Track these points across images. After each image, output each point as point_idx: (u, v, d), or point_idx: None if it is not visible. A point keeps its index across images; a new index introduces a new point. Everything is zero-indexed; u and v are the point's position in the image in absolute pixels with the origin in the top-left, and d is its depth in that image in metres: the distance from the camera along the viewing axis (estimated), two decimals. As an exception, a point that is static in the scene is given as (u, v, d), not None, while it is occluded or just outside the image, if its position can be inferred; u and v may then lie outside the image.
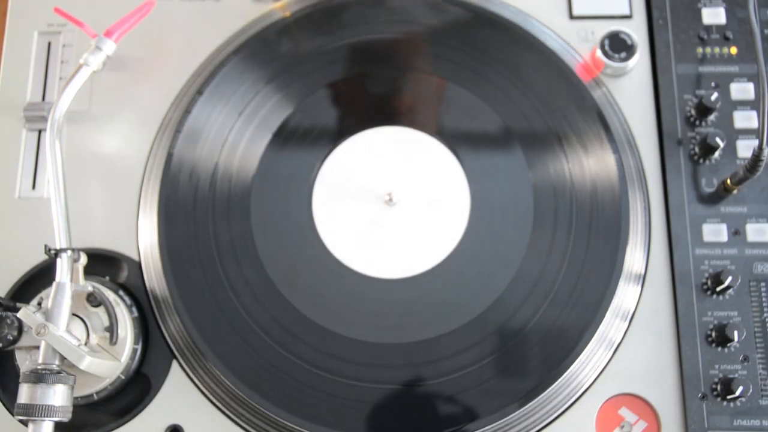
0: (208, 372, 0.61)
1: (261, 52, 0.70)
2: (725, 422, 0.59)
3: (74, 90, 0.61)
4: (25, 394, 0.53)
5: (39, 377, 0.53)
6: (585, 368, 0.61)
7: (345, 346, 0.61)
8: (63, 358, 0.55)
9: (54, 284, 0.56)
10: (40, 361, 0.55)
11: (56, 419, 0.53)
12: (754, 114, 0.67)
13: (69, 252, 0.57)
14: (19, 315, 0.55)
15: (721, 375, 0.60)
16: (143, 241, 0.65)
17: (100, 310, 0.59)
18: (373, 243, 0.65)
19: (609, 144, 0.66)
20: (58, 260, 0.57)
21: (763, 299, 0.62)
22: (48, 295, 0.57)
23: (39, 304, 0.58)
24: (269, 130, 0.68)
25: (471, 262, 0.64)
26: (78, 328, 0.58)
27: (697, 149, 0.66)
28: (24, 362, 0.58)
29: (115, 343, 0.59)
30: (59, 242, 0.58)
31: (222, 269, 0.63)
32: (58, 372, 0.54)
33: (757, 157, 0.61)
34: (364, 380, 0.60)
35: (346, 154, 0.68)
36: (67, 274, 0.56)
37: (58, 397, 0.53)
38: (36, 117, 0.69)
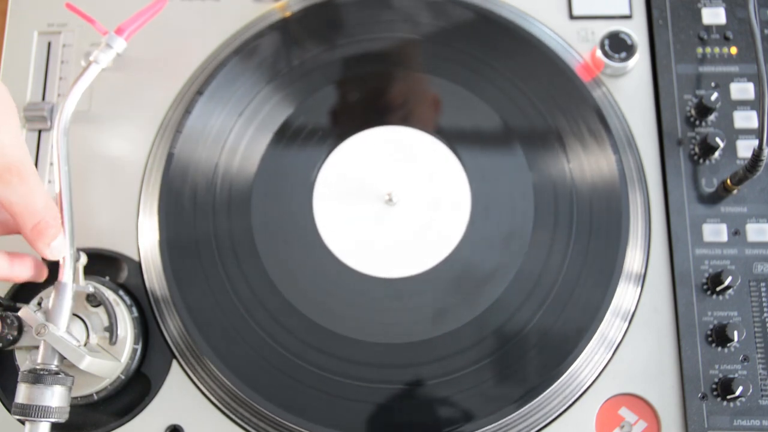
0: (208, 372, 0.61)
1: (261, 52, 0.70)
2: (725, 422, 0.59)
3: (83, 88, 0.60)
4: (22, 393, 0.53)
5: (37, 378, 0.53)
6: (585, 368, 0.61)
7: (344, 345, 0.61)
8: (62, 359, 0.55)
9: (56, 284, 0.56)
10: (39, 360, 0.54)
11: (53, 420, 0.53)
12: (754, 114, 0.67)
13: (70, 252, 0.57)
14: (20, 314, 0.55)
15: (721, 375, 0.60)
16: (143, 241, 0.65)
17: (100, 310, 0.59)
18: (374, 243, 0.65)
19: (609, 144, 0.66)
20: (61, 260, 0.56)
21: (763, 299, 0.62)
22: (48, 294, 0.57)
23: (39, 304, 0.58)
24: (270, 130, 0.68)
25: (471, 261, 0.64)
26: (78, 328, 0.58)
27: (697, 149, 0.66)
28: (24, 362, 0.58)
29: (114, 343, 0.59)
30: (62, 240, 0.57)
31: (222, 269, 0.63)
32: (56, 373, 0.54)
33: (757, 157, 0.61)
34: (363, 380, 0.60)
35: (347, 154, 0.68)
36: (69, 274, 0.56)
37: (56, 398, 0.53)
38: (36, 117, 0.69)
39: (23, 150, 0.53)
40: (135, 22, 0.63)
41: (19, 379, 0.53)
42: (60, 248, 0.56)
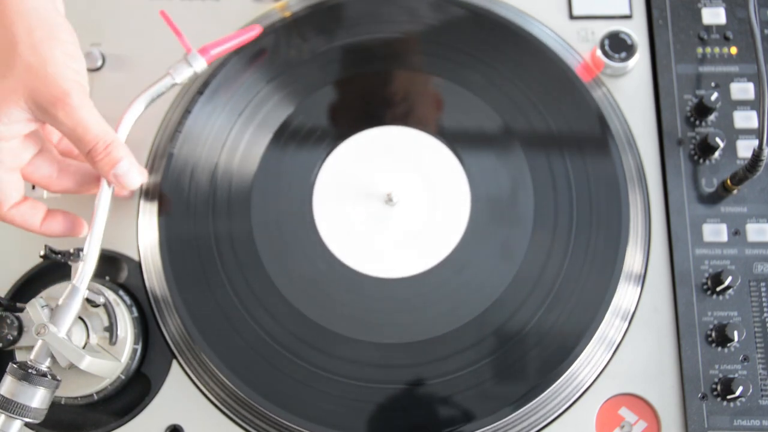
0: (208, 372, 0.61)
1: (261, 52, 0.70)
2: (725, 422, 0.59)
3: (150, 98, 0.61)
4: (6, 386, 0.53)
5: (24, 375, 0.52)
6: (585, 368, 0.61)
7: (344, 345, 0.61)
8: (54, 361, 0.54)
9: (69, 286, 0.56)
10: (31, 357, 0.54)
11: (27, 420, 0.53)
12: (754, 114, 0.67)
13: (70, 252, 0.57)
14: (27, 308, 0.55)
15: (721, 375, 0.60)
16: (143, 241, 0.65)
17: (100, 310, 0.59)
18: (373, 243, 0.65)
19: (609, 144, 0.66)
20: (77, 263, 0.56)
21: (763, 299, 0.62)
22: (49, 294, 0.57)
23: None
24: (269, 130, 0.68)
25: (471, 262, 0.64)
26: (78, 328, 0.58)
27: (697, 149, 0.66)
28: (24, 362, 0.58)
29: (114, 343, 0.59)
30: (88, 247, 0.57)
31: (222, 269, 0.63)
32: (44, 375, 0.54)
33: (757, 157, 0.61)
34: (363, 380, 0.60)
35: (347, 153, 0.68)
36: (86, 280, 0.56)
37: (37, 399, 0.53)
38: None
39: (71, 80, 0.52)
40: (221, 45, 0.63)
41: (7, 370, 0.53)
42: (126, 176, 0.56)
